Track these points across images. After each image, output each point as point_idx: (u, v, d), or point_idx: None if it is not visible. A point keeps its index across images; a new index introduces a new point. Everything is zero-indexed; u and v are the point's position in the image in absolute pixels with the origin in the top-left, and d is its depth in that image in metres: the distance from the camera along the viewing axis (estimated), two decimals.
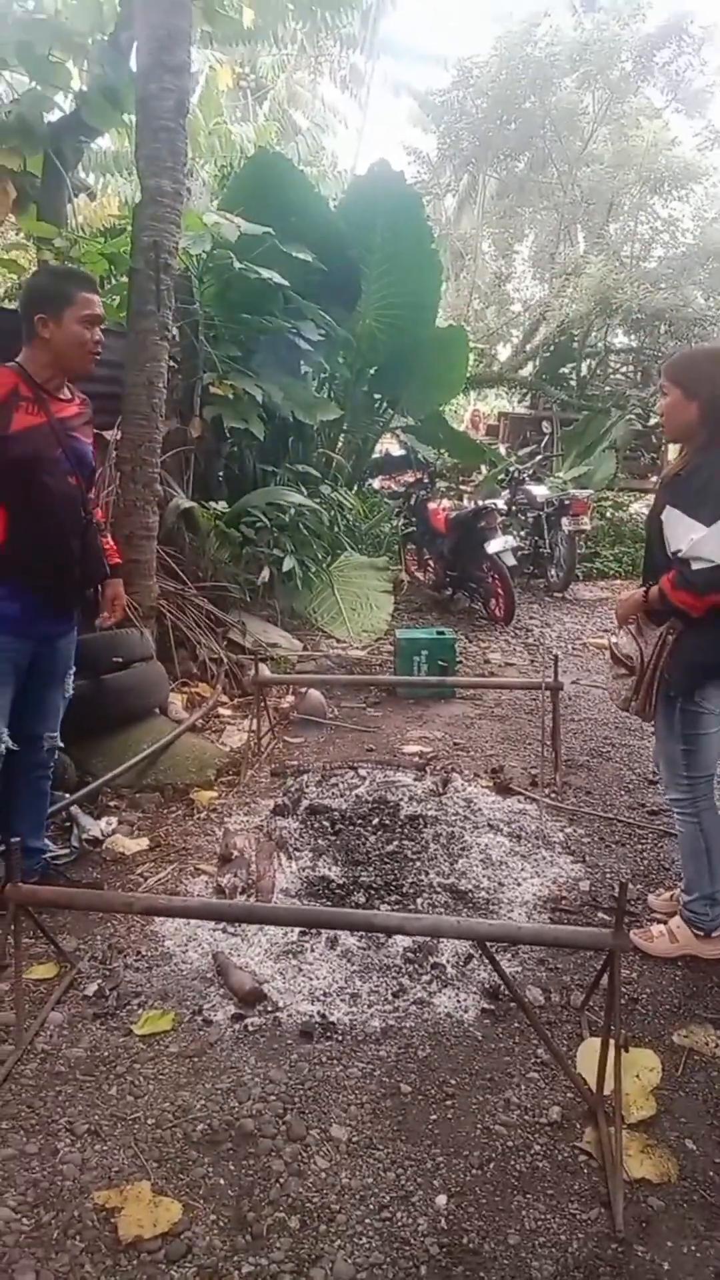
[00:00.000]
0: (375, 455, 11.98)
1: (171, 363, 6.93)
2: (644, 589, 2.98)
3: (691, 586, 2.73)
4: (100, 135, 5.86)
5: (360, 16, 12.18)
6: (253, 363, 7.15)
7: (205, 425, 6.73)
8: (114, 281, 6.21)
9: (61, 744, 3.43)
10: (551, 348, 16.12)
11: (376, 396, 9.74)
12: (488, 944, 2.35)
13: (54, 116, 5.28)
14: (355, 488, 11.06)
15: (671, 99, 16.33)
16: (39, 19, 5.21)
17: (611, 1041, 2.20)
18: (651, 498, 3.15)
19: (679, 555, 2.74)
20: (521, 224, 17.09)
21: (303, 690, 5.80)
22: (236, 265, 6.47)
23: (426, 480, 10.01)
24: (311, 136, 14.96)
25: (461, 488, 12.16)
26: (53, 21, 5.42)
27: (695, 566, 2.71)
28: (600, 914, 3.43)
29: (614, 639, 3.20)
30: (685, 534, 2.73)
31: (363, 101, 15.99)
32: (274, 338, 7.22)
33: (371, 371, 9.26)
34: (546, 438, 11.79)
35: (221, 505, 6.62)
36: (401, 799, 4.33)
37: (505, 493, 10.90)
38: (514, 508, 10.74)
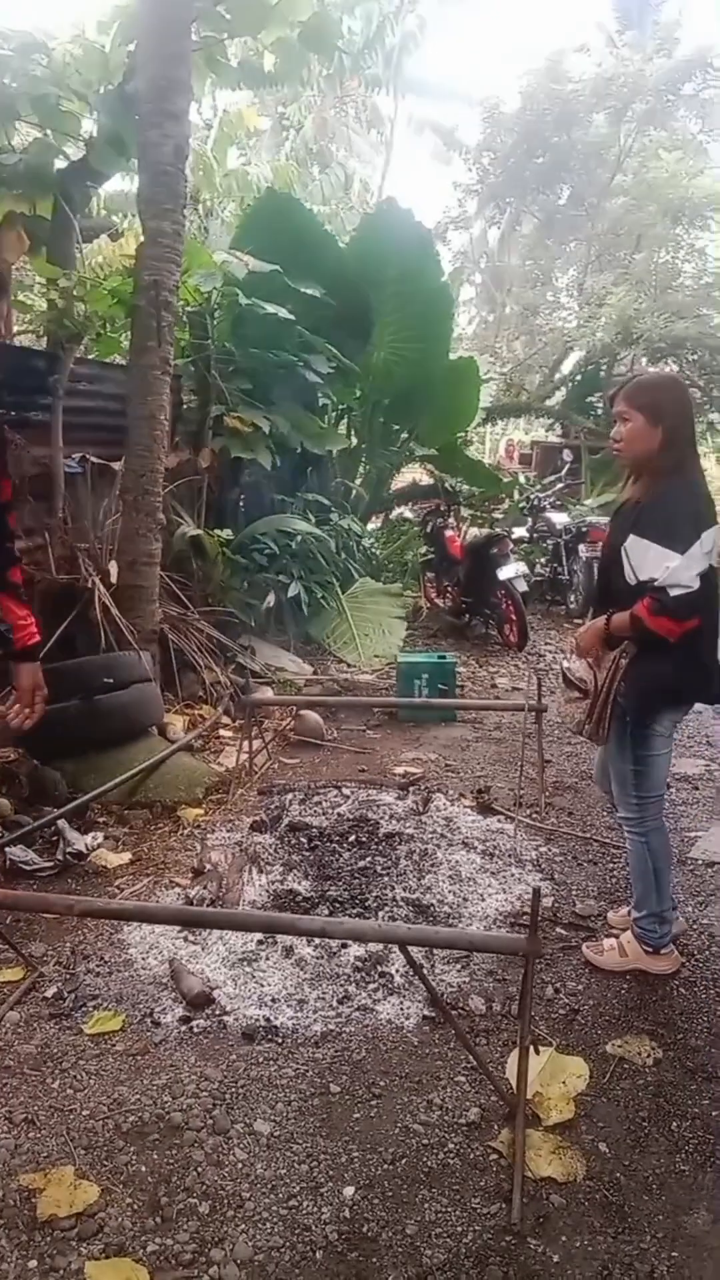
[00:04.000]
0: (402, 485, 12.15)
1: (191, 396, 7.19)
2: (605, 618, 3.03)
3: (671, 613, 2.77)
4: (107, 180, 6.14)
5: (383, 58, 12.49)
6: (269, 396, 7.36)
7: (215, 456, 6.93)
8: (123, 320, 6.45)
9: None
10: (579, 377, 16.23)
11: (395, 427, 9.92)
12: (421, 950, 2.44)
13: (62, 163, 5.55)
14: (383, 516, 11.24)
15: (701, 129, 16.43)
16: (47, 73, 5.49)
17: (524, 1043, 2.28)
18: None
19: (655, 583, 2.77)
20: (553, 256, 17.27)
21: (301, 712, 5.92)
22: (243, 301, 6.68)
23: (444, 508, 10.14)
24: (341, 169, 15.31)
25: (491, 515, 12.27)
26: (64, 73, 5.71)
27: (674, 593, 2.74)
28: (559, 929, 3.50)
29: (566, 664, 3.28)
30: (659, 562, 2.76)
31: (387, 139, 16.32)
32: (287, 371, 7.42)
33: (386, 403, 9.43)
34: (568, 466, 11.88)
35: (228, 533, 6.80)
36: (381, 817, 4.43)
37: (528, 520, 11.04)
38: (535, 535, 10.86)
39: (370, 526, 10.69)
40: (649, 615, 2.79)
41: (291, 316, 6.97)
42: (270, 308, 6.71)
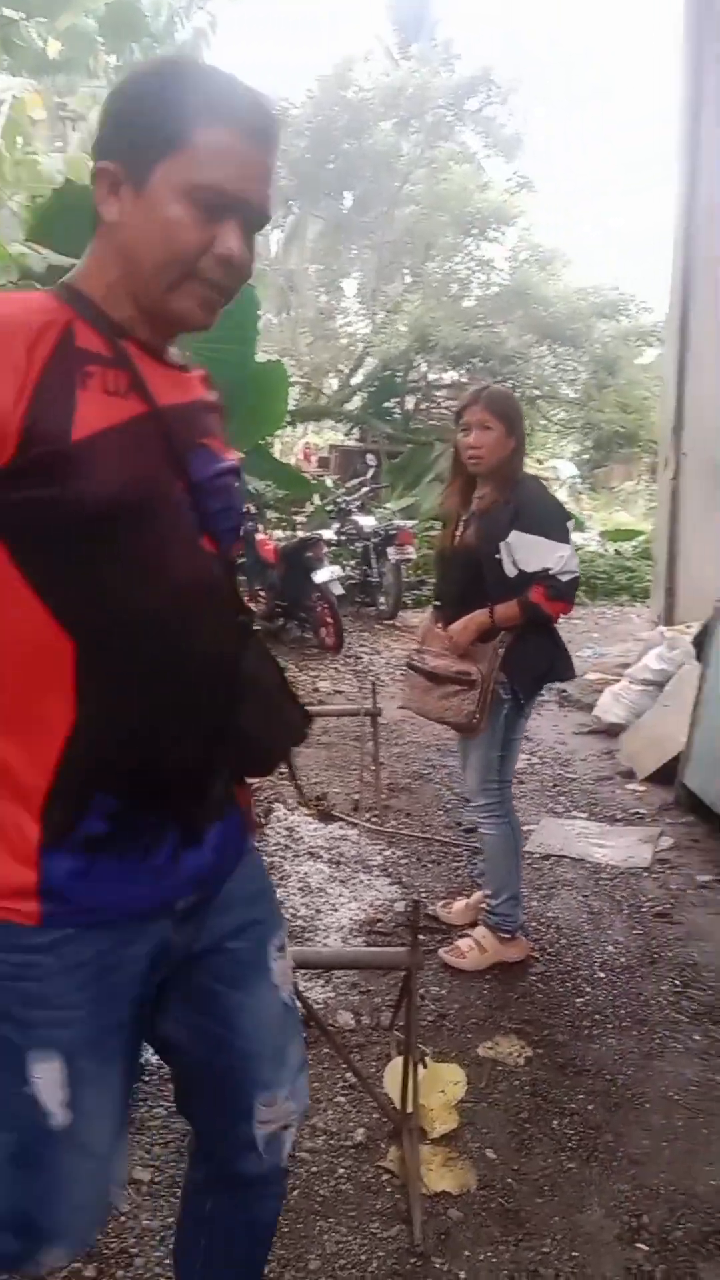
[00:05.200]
0: None
1: None
2: (488, 611, 3.09)
3: (564, 596, 3.01)
4: None
5: (176, 53, 12.24)
6: None
7: None
8: None
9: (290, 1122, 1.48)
10: (376, 382, 16.54)
11: None
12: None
13: None
14: None
15: (484, 143, 17.12)
16: None
17: (409, 1058, 2.24)
18: None
19: (549, 572, 2.96)
20: (345, 262, 17.52)
21: None
22: None
23: (254, 511, 10.06)
24: None
25: (294, 518, 12.29)
26: None
27: (564, 579, 2.97)
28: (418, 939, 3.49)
29: (435, 662, 3.26)
30: (551, 553, 2.97)
31: None
32: None
33: None
34: (372, 470, 12.09)
35: None
36: None
37: (335, 524, 11.12)
38: (343, 538, 10.95)
39: None
40: (546, 600, 2.99)
41: None
42: None
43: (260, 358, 9.92)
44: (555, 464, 19.45)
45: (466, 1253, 2.06)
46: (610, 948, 3.44)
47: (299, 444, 20.27)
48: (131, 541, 1.14)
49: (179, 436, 1.22)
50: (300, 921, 3.52)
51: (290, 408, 13.33)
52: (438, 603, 3.47)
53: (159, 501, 1.18)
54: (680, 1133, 2.46)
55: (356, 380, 17.19)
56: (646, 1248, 2.08)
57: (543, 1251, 2.07)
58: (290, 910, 3.59)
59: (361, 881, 3.90)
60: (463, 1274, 2.01)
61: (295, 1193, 2.21)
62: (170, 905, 1.27)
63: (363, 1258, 2.04)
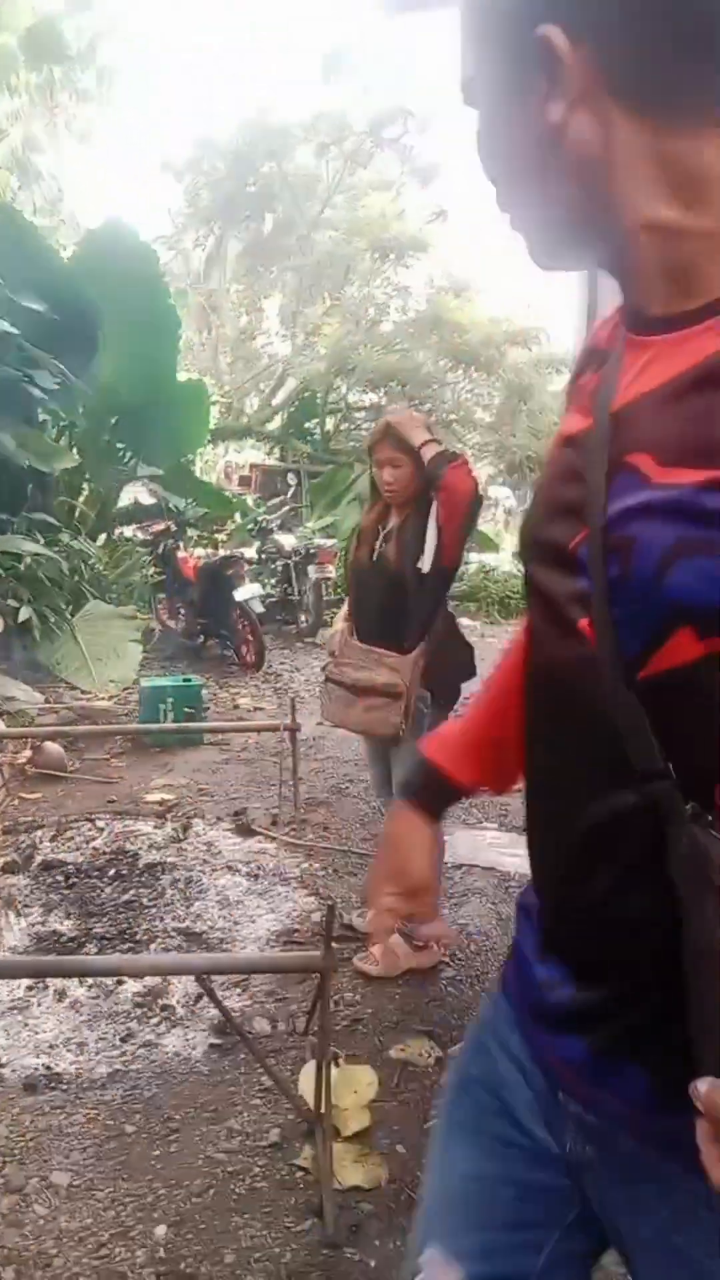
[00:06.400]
0: (124, 504, 11.95)
1: None
2: None
3: None
4: None
5: (96, 73, 12.29)
6: None
7: None
8: None
9: None
10: (296, 403, 16.66)
11: (119, 445, 9.77)
12: (205, 977, 2.42)
13: None
14: (105, 536, 11.00)
15: (404, 170, 17.44)
16: None
17: (323, 1060, 2.32)
18: None
19: None
20: (266, 283, 17.66)
21: (38, 743, 5.67)
22: None
23: (175, 529, 10.08)
24: (50, 183, 14.85)
25: (216, 536, 12.32)
26: None
27: None
28: (332, 943, 3.57)
29: (356, 675, 3.33)
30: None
31: (103, 156, 16.09)
32: (7, 386, 7.12)
33: (113, 421, 9.28)
34: (293, 489, 12.21)
35: None
36: (141, 848, 4.33)
37: (256, 542, 11.20)
38: (264, 556, 11.03)
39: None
40: None
41: (14, 330, 6.71)
42: None
43: (181, 377, 10.00)
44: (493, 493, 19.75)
45: (377, 1242, 2.15)
46: None
47: (220, 463, 20.29)
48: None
49: (614, 454, 0.75)
50: (218, 933, 3.57)
51: (211, 427, 13.43)
52: (354, 617, 3.55)
53: (543, 563, 0.83)
54: None
55: (277, 400, 17.27)
56: None
57: None
58: (208, 923, 3.65)
59: (279, 894, 3.97)
60: (373, 1263, 2.09)
61: (211, 1192, 2.28)
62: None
63: (277, 1250, 2.11)
